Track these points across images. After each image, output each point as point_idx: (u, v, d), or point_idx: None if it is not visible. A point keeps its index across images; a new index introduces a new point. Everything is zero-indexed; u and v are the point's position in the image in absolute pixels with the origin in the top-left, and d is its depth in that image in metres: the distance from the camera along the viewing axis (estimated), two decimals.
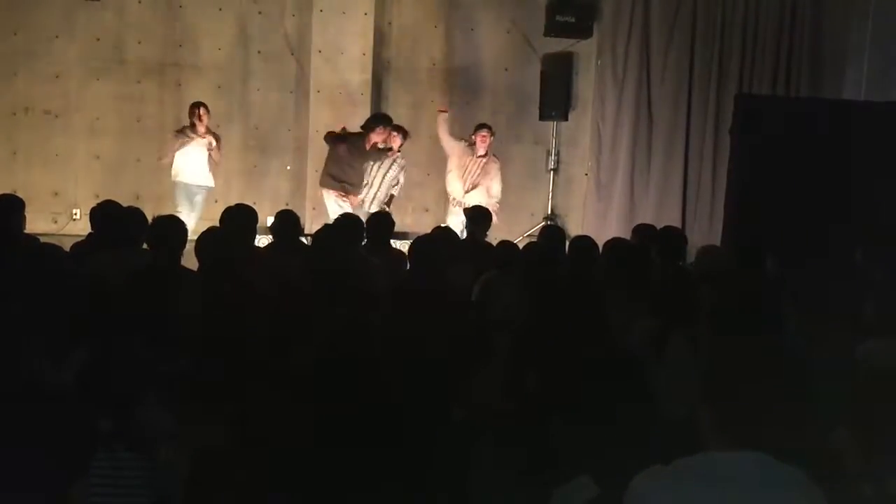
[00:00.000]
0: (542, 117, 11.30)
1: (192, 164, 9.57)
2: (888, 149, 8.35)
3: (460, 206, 9.39)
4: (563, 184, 11.73)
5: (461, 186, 9.66)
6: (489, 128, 9.74)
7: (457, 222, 9.19)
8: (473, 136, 9.69)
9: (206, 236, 5.19)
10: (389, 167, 9.60)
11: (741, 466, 2.20)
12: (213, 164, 9.68)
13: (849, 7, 11.18)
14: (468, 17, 11.32)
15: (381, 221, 6.73)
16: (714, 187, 11.05)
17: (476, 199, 9.43)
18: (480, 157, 9.66)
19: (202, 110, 9.51)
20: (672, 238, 6.36)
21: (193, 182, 9.60)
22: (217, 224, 6.04)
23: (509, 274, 5.30)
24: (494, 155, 9.83)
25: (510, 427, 3.11)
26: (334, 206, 9.27)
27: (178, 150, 9.55)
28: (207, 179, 9.67)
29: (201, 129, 9.52)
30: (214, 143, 9.54)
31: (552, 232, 6.93)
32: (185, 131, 9.59)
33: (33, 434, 3.05)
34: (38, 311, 3.87)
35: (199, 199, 9.64)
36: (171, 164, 9.63)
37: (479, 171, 9.66)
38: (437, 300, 4.77)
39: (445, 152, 9.80)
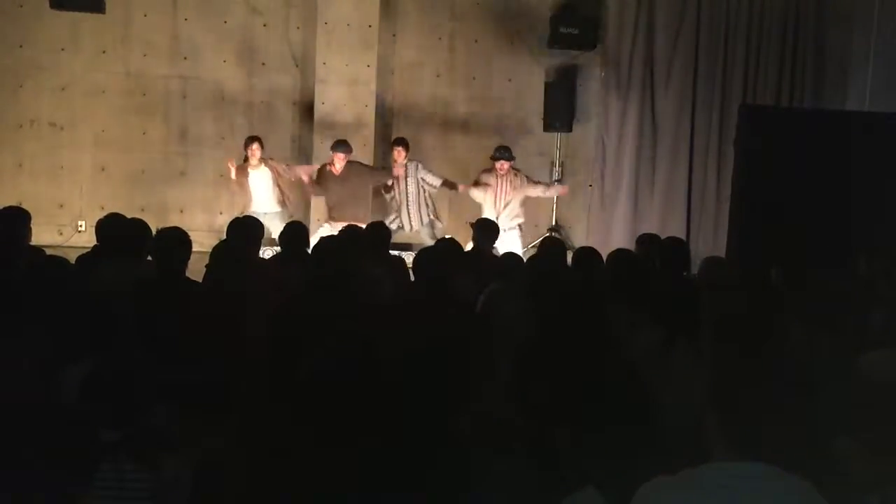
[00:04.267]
0: (547, 129, 11.32)
1: (257, 193, 9.69)
2: (892, 159, 8.35)
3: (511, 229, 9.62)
4: (568, 195, 11.73)
5: (497, 204, 9.71)
6: (506, 152, 9.75)
7: (514, 245, 9.38)
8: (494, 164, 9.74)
9: (219, 247, 5.23)
10: (406, 181, 9.78)
11: (747, 477, 2.19)
12: (279, 192, 9.73)
13: (852, 18, 11.20)
14: (472, 29, 11.35)
15: (379, 231, 6.77)
16: (718, 198, 11.06)
17: (514, 215, 9.69)
18: (503, 175, 9.69)
19: (255, 145, 9.61)
20: (675, 248, 6.36)
21: (260, 210, 9.47)
22: (222, 236, 6.06)
23: (514, 285, 5.30)
24: (515, 168, 9.84)
25: (514, 438, 3.11)
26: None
27: (238, 185, 9.68)
28: (272, 206, 9.70)
29: (254, 161, 9.63)
30: (282, 170, 9.74)
31: (552, 243, 6.93)
32: (243, 167, 9.69)
33: (36, 447, 3.05)
34: (40, 324, 3.88)
35: (273, 224, 9.43)
36: (241, 194, 9.75)
37: (508, 189, 9.72)
38: (440, 311, 4.78)
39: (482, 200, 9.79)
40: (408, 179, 9.77)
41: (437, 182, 9.89)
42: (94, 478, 2.98)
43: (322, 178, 9.62)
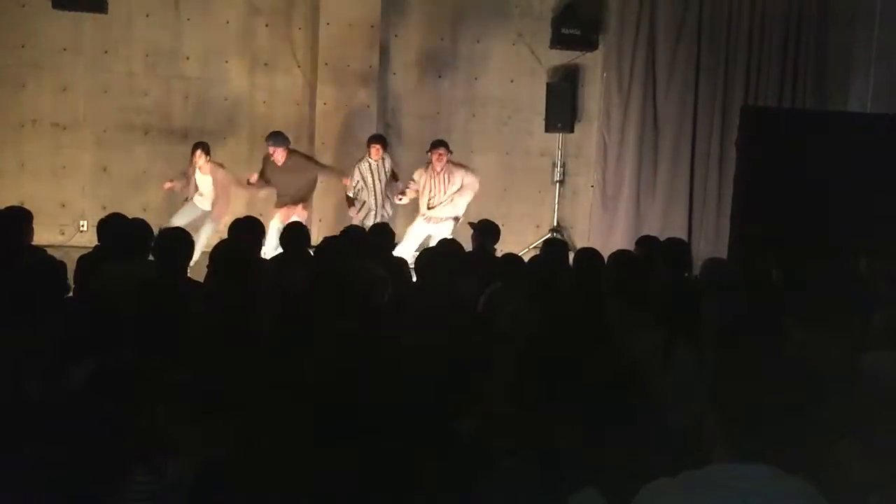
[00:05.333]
0: (548, 129, 11.32)
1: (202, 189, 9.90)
2: (893, 160, 8.36)
3: (427, 220, 9.75)
4: (569, 195, 11.74)
5: (426, 202, 9.78)
6: (445, 145, 9.72)
7: (419, 232, 9.67)
8: (429, 154, 9.73)
9: (220, 247, 5.23)
10: (379, 175, 9.88)
11: (748, 479, 2.19)
12: (216, 193, 9.84)
13: (854, 20, 11.20)
14: (474, 30, 11.35)
15: (382, 232, 6.76)
16: (720, 199, 11.06)
17: (448, 211, 9.74)
18: (438, 173, 9.70)
19: (199, 152, 9.70)
20: (676, 249, 6.36)
21: (199, 206, 9.93)
22: (223, 236, 6.06)
23: (514, 286, 5.30)
24: (456, 164, 9.81)
25: (515, 438, 3.11)
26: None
27: (184, 188, 9.89)
28: (206, 204, 9.90)
29: (200, 168, 9.76)
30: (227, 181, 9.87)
31: (554, 244, 6.93)
32: (186, 173, 9.89)
33: (37, 447, 3.05)
34: (42, 325, 3.88)
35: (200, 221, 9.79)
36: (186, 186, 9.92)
37: (440, 188, 9.74)
38: (441, 312, 4.78)
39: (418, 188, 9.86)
40: (378, 176, 9.86)
41: (390, 172, 10.01)
42: (98, 479, 2.98)
43: (266, 168, 9.82)
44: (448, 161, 9.68)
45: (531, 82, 11.41)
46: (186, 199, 9.94)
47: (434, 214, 9.73)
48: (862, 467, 3.14)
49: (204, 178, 9.83)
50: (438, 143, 9.73)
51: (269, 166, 9.78)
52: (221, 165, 9.90)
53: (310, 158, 10.13)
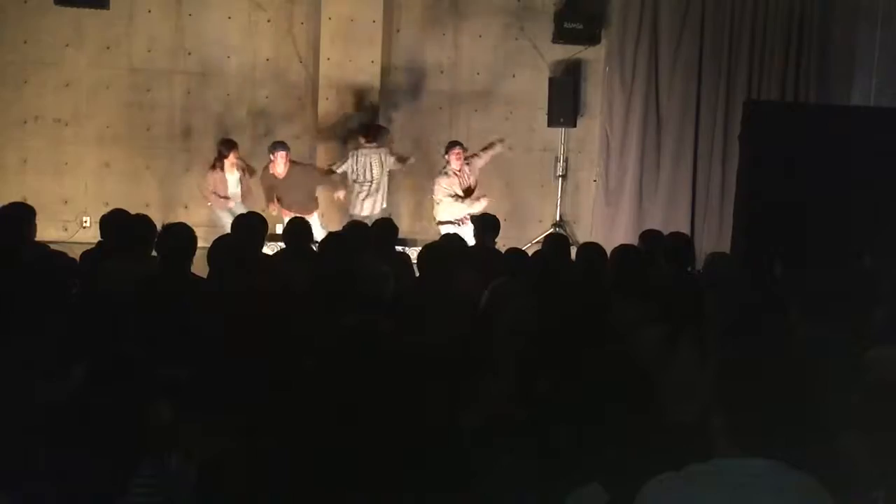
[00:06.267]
0: (551, 124, 11.30)
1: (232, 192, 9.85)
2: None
3: (457, 224, 9.69)
4: (572, 190, 11.73)
5: (462, 204, 9.74)
6: (460, 145, 9.82)
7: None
8: (446, 156, 9.77)
9: (219, 243, 5.22)
10: (380, 160, 9.88)
11: (752, 473, 2.19)
12: (245, 189, 9.87)
13: (857, 14, 11.17)
14: (476, 25, 11.34)
15: (386, 227, 6.77)
16: (723, 193, 11.04)
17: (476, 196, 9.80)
18: (458, 172, 9.76)
19: (235, 153, 9.73)
20: (679, 244, 6.36)
21: (237, 211, 9.75)
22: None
23: (518, 281, 5.30)
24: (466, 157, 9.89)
25: (518, 434, 3.12)
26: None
27: (212, 188, 9.76)
28: (241, 207, 9.77)
29: (229, 164, 9.74)
30: (245, 174, 9.89)
31: (556, 240, 6.94)
32: (214, 166, 9.82)
33: (39, 445, 3.06)
34: (45, 321, 3.88)
35: None
36: (215, 202, 9.84)
37: (467, 180, 9.81)
38: (444, 307, 4.78)
39: (442, 194, 9.83)
40: (374, 167, 9.85)
41: (391, 160, 10.00)
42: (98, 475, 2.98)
43: (267, 180, 9.69)
44: (465, 158, 9.78)
45: (533, 77, 11.39)
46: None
47: (465, 213, 9.73)
48: (865, 462, 3.15)
49: (232, 177, 9.78)
50: (455, 144, 9.82)
51: (269, 179, 9.65)
52: (248, 165, 9.94)
53: (308, 166, 10.05)
